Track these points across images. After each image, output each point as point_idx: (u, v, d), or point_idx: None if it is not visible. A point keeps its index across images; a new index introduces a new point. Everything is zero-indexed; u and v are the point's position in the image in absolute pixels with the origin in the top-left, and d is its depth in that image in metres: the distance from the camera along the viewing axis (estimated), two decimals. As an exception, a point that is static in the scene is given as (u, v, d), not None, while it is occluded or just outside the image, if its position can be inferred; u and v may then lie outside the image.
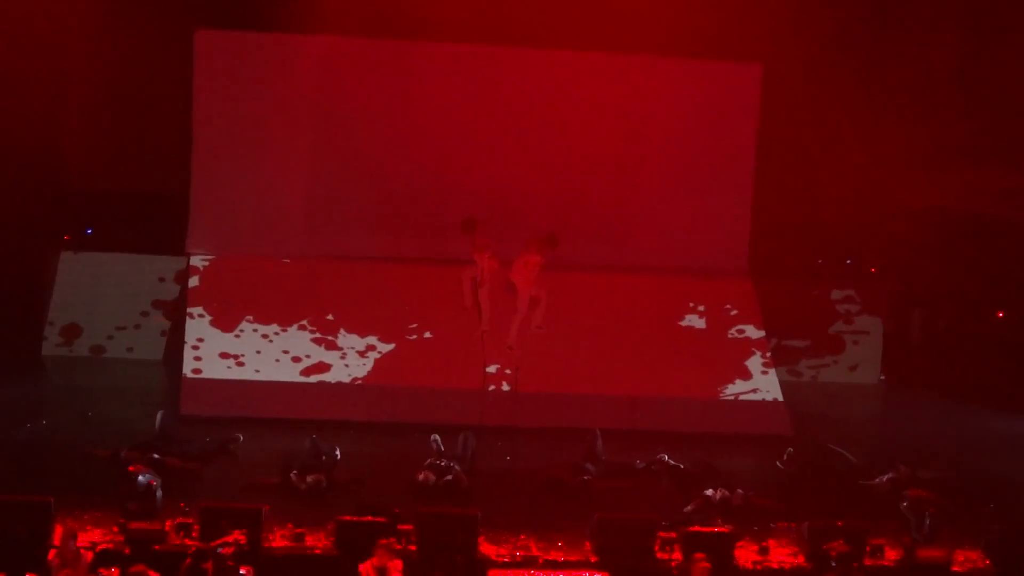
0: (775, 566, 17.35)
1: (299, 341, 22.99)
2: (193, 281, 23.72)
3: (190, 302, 23.43)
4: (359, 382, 22.62)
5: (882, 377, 26.03)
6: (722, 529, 17.56)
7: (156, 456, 18.82)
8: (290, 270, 24.07)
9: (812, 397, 24.64)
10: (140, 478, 17.30)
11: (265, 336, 23.00)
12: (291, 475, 18.84)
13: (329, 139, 24.35)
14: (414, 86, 24.31)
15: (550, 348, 23.07)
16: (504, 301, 23.09)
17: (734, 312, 24.41)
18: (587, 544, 17.40)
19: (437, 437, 19.93)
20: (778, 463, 20.85)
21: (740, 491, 18.86)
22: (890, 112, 24.66)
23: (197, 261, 23.99)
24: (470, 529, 17.06)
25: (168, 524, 16.90)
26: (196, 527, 16.76)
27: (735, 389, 23.20)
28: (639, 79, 24.67)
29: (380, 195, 24.42)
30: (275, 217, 24.29)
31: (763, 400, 23.12)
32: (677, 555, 17.13)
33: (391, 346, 23.13)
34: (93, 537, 16.73)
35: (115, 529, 16.94)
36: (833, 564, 16.38)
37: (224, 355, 22.64)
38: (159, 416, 20.13)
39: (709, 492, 18.79)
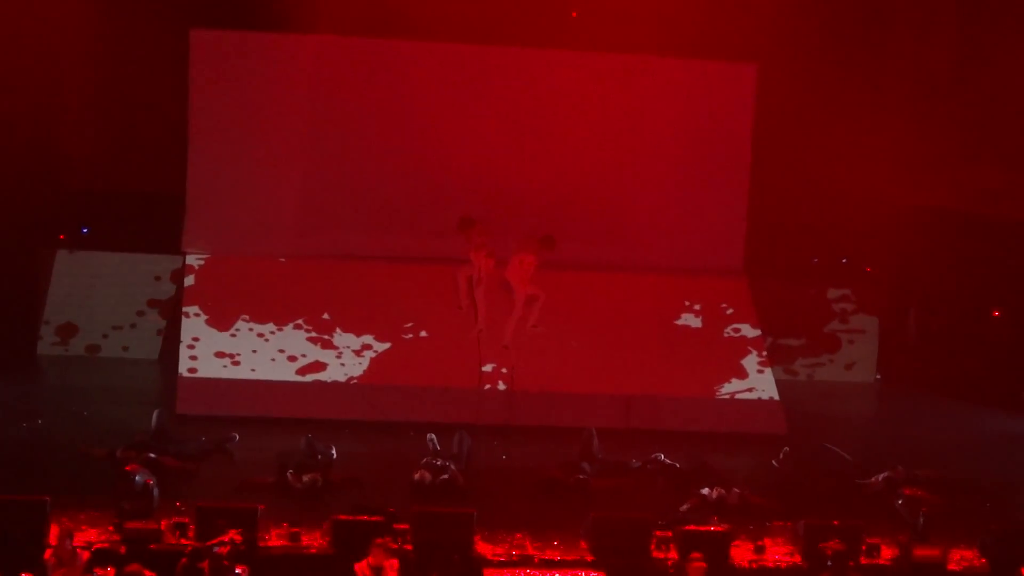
0: (771, 565, 17.36)
1: (295, 340, 22.99)
2: (189, 280, 23.71)
3: (186, 301, 23.42)
4: (355, 381, 22.62)
5: (878, 376, 26.06)
6: (718, 528, 17.57)
7: (152, 455, 18.85)
8: (286, 269, 24.06)
9: (808, 396, 24.66)
10: (137, 477, 17.29)
11: (261, 335, 22.99)
12: (287, 474, 18.84)
13: (325, 138, 24.34)
14: (410, 85, 24.30)
15: (546, 347, 23.08)
16: (500, 300, 23.09)
17: (730, 311, 24.43)
18: (583, 543, 17.40)
19: (433, 436, 19.97)
20: (774, 462, 20.90)
21: (736, 490, 18.90)
22: (885, 112, 24.69)
23: (193, 260, 23.97)
24: (466, 528, 17.06)
25: (164, 523, 16.88)
26: (192, 526, 16.75)
27: (731, 388, 23.21)
28: (634, 79, 24.67)
29: (376, 194, 24.41)
30: (271, 216, 24.27)
31: (759, 399, 23.13)
32: (673, 554, 17.13)
33: (387, 345, 23.13)
34: (89, 536, 16.70)
35: (111, 528, 16.92)
36: (829, 563, 16.39)
37: (220, 354, 22.63)
38: (155, 415, 20.13)
39: (705, 491, 18.83)
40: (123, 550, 16.40)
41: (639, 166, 24.86)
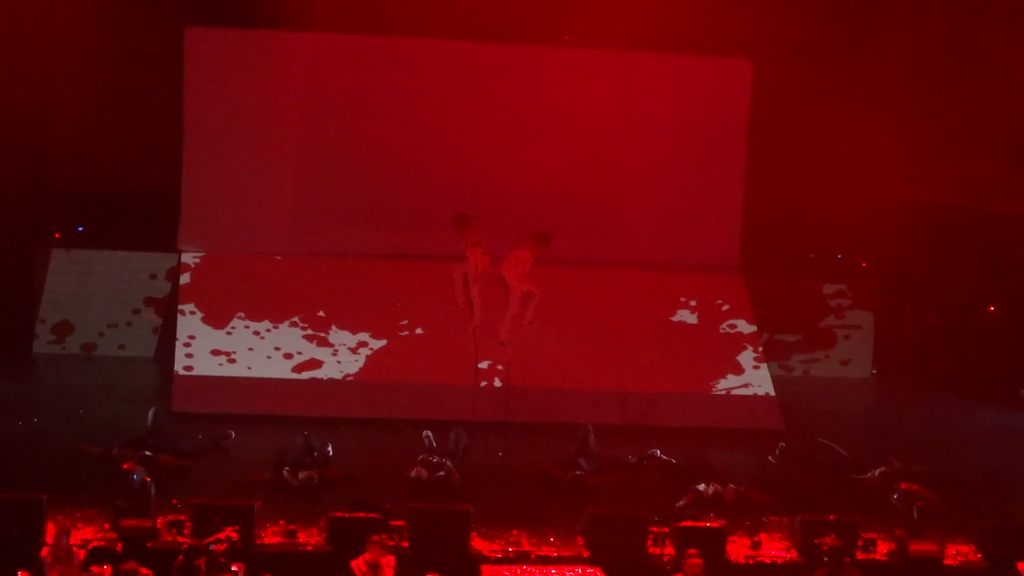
0: (767, 560, 17.38)
1: (291, 338, 22.98)
2: (184, 278, 23.70)
3: (181, 299, 23.41)
4: (351, 378, 22.61)
5: (874, 371, 26.06)
6: (714, 524, 17.59)
7: (148, 453, 18.85)
8: (281, 267, 24.05)
9: (804, 392, 24.65)
10: (135, 476, 17.28)
11: (257, 333, 22.98)
12: (283, 472, 18.85)
13: (320, 135, 24.33)
14: (405, 82, 24.29)
15: (542, 344, 23.09)
16: (496, 297, 23.10)
17: (725, 307, 24.43)
18: (579, 539, 17.42)
19: (429, 433, 19.98)
20: (770, 458, 20.91)
21: (732, 486, 18.93)
22: (880, 107, 24.69)
23: (188, 258, 23.96)
24: (462, 525, 17.07)
25: (160, 521, 16.89)
26: (188, 524, 16.76)
27: (727, 384, 23.21)
28: (629, 75, 24.67)
29: (372, 191, 24.40)
30: (266, 214, 24.28)
31: (755, 395, 23.13)
32: (669, 550, 17.14)
33: (383, 342, 23.13)
34: (85, 534, 16.72)
35: (107, 526, 16.92)
36: (825, 558, 16.39)
37: (216, 352, 22.62)
38: (151, 413, 20.15)
39: (701, 487, 18.85)
40: (119, 548, 16.42)
41: (634, 162, 24.86)
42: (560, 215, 24.23)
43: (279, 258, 24.17)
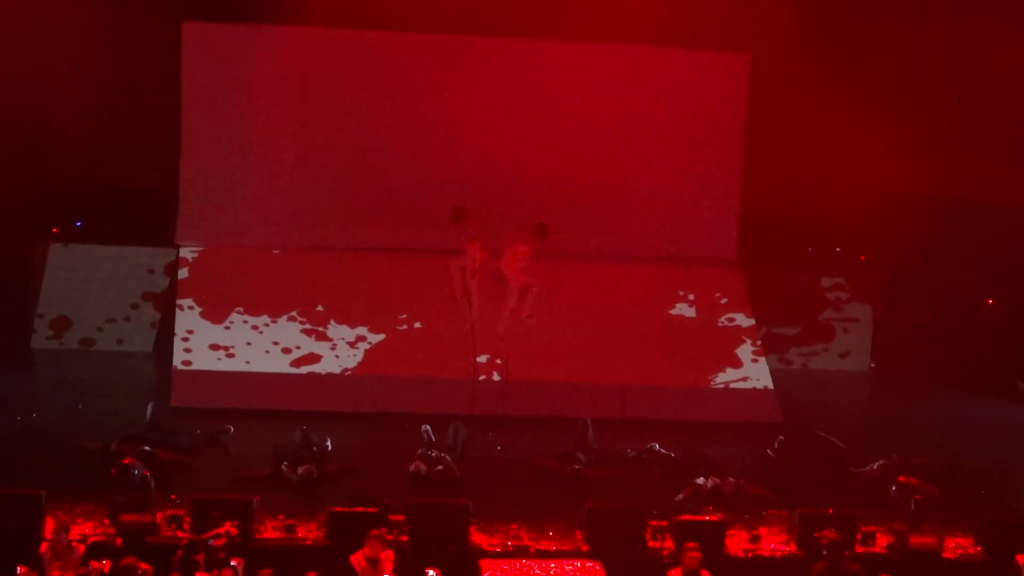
0: (766, 554, 17.37)
1: (289, 332, 22.97)
2: (183, 273, 23.70)
3: (180, 294, 23.40)
4: (349, 373, 22.61)
5: (872, 364, 26.06)
6: (713, 517, 17.58)
7: (147, 448, 18.84)
8: (279, 261, 24.05)
9: (802, 385, 24.64)
10: (135, 471, 17.27)
11: (255, 327, 22.98)
12: (282, 466, 18.85)
13: (318, 130, 24.31)
14: (402, 76, 24.28)
15: (540, 337, 23.08)
16: (494, 291, 23.09)
17: (724, 300, 24.43)
18: (578, 533, 17.41)
19: (428, 427, 19.97)
20: (769, 451, 20.91)
21: (731, 479, 18.91)
22: (878, 100, 24.69)
23: (186, 253, 23.96)
24: (461, 519, 17.06)
25: (159, 516, 16.89)
26: (187, 519, 16.76)
27: (725, 377, 23.21)
28: (628, 68, 24.66)
29: (369, 186, 24.39)
30: (264, 208, 24.28)
31: (753, 388, 23.13)
32: (668, 544, 17.14)
33: (381, 337, 23.12)
34: (84, 530, 16.72)
35: (106, 521, 16.92)
36: (824, 552, 16.40)
37: (214, 347, 22.62)
38: (150, 408, 20.16)
39: (700, 480, 18.84)
40: (119, 543, 16.41)
41: (632, 156, 24.86)
42: (558, 209, 24.22)
43: (277, 253, 24.17)
